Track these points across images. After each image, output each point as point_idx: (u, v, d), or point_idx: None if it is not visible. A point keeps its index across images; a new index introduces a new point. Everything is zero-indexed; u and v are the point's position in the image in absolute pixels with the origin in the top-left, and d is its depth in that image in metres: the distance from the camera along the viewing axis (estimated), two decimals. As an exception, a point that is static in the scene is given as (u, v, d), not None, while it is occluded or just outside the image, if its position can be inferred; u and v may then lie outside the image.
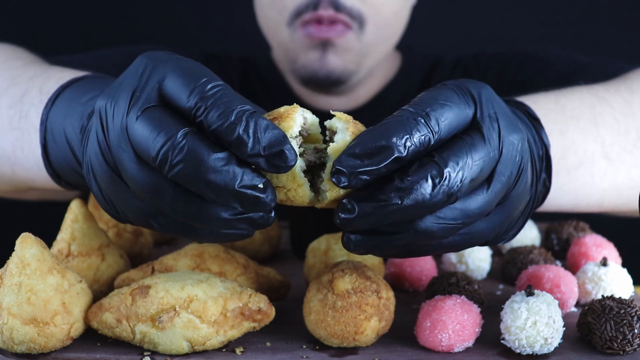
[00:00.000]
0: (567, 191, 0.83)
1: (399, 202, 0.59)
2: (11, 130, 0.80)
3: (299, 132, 0.62)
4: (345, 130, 0.61)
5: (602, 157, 0.85)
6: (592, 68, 1.16)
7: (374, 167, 0.58)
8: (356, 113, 1.30)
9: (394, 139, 0.59)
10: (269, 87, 1.34)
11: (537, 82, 1.19)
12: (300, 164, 0.60)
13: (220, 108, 0.56)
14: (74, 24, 1.60)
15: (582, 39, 1.67)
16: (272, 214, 0.60)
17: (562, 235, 0.98)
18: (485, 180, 0.63)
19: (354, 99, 1.31)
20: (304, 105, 1.30)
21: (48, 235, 0.80)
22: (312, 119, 0.63)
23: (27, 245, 0.70)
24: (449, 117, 0.61)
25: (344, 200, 0.60)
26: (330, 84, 1.19)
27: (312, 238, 0.87)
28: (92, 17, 1.62)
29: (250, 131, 0.56)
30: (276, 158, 0.57)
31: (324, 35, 1.12)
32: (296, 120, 0.61)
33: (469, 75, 1.32)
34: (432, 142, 0.60)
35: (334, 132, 0.63)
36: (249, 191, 0.57)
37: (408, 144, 0.59)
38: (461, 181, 0.60)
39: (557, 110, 0.83)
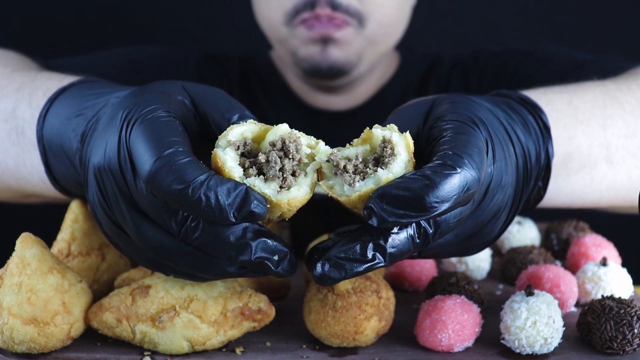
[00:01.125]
0: (564, 192, 0.85)
1: (383, 261, 0.61)
2: (12, 147, 0.81)
3: (241, 159, 0.59)
4: (407, 163, 0.60)
5: (605, 160, 0.85)
6: (591, 66, 1.16)
7: (404, 220, 0.58)
8: (356, 112, 1.30)
9: (440, 200, 0.58)
10: (269, 86, 1.34)
11: (536, 80, 1.19)
12: (273, 189, 0.59)
13: (178, 195, 0.56)
14: (74, 24, 1.60)
15: (581, 38, 1.67)
16: (283, 265, 0.61)
17: (562, 235, 0.98)
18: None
19: (353, 97, 1.31)
20: (303, 104, 1.30)
21: (48, 235, 0.80)
22: (236, 136, 0.60)
23: (27, 245, 0.70)
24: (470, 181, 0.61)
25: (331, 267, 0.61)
26: (333, 75, 1.20)
27: (312, 238, 0.87)
28: (92, 18, 1.62)
29: (213, 205, 0.56)
30: (249, 219, 0.57)
31: (324, 31, 1.14)
32: (231, 168, 0.58)
33: (468, 75, 1.32)
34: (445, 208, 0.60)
35: (392, 151, 0.60)
36: (265, 262, 0.60)
37: (451, 204, 0.59)
38: (434, 239, 0.63)
39: (569, 113, 0.83)
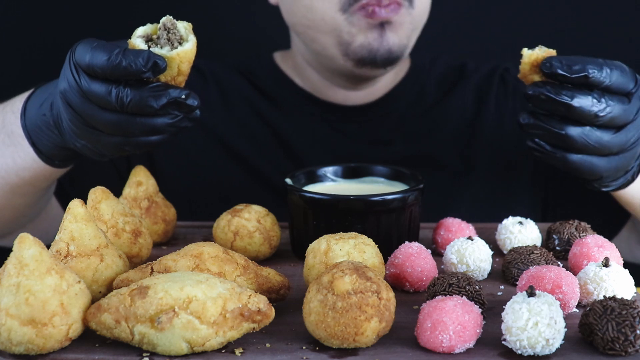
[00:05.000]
0: None
1: (569, 100, 0.85)
2: (7, 148, 1.01)
3: (147, 42, 0.86)
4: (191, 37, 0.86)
5: None
6: None
7: (568, 73, 0.85)
8: (372, 106, 1.30)
9: (589, 66, 0.85)
10: (275, 89, 1.33)
11: None
12: (166, 50, 0.84)
13: (107, 61, 0.82)
14: (72, 27, 1.60)
15: (584, 42, 1.66)
16: (197, 111, 0.87)
17: (564, 235, 0.98)
18: (616, 127, 0.88)
19: (370, 93, 1.31)
20: (314, 100, 1.30)
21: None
22: (141, 32, 0.86)
23: (25, 245, 0.70)
24: (619, 78, 0.87)
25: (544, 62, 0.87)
26: (389, 62, 1.21)
27: (312, 238, 0.86)
28: (87, 20, 1.61)
29: (130, 63, 0.81)
30: (155, 68, 0.82)
31: (384, 16, 1.16)
32: (139, 45, 0.84)
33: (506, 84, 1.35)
34: (604, 84, 0.86)
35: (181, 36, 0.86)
36: (177, 98, 0.84)
37: (598, 73, 0.85)
38: (607, 113, 0.86)
39: None
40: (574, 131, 0.87)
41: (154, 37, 0.85)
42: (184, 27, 0.86)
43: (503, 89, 1.35)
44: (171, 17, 0.86)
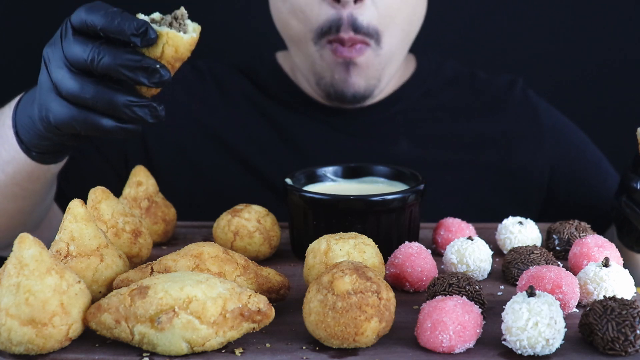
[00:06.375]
0: None
1: None
2: None
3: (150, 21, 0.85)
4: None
5: None
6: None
7: None
8: (373, 108, 1.30)
9: None
10: (277, 90, 1.33)
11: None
12: (162, 27, 0.84)
13: (103, 16, 0.82)
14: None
15: (581, 38, 1.66)
16: (162, 108, 0.84)
17: (564, 235, 0.98)
18: None
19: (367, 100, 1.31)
20: (316, 103, 1.31)
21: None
22: (152, 14, 0.85)
23: (25, 245, 0.70)
24: None
25: None
26: (356, 101, 1.24)
27: (312, 238, 0.86)
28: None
29: (124, 21, 0.81)
30: (144, 35, 0.81)
31: (347, 56, 1.17)
32: (140, 17, 0.84)
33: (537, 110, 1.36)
34: None
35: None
36: (150, 66, 0.82)
37: None
38: None
39: None
40: None
41: (159, 20, 0.85)
42: (192, 25, 0.85)
43: (525, 103, 1.35)
44: (186, 11, 0.85)
